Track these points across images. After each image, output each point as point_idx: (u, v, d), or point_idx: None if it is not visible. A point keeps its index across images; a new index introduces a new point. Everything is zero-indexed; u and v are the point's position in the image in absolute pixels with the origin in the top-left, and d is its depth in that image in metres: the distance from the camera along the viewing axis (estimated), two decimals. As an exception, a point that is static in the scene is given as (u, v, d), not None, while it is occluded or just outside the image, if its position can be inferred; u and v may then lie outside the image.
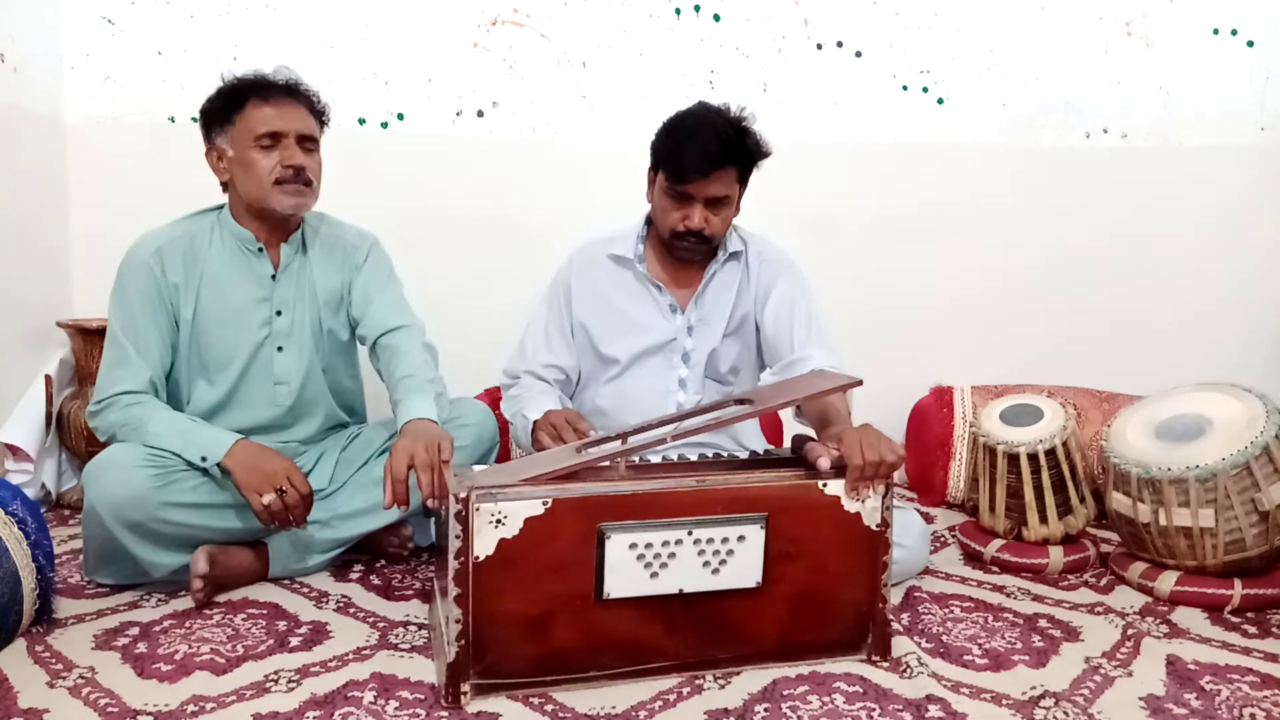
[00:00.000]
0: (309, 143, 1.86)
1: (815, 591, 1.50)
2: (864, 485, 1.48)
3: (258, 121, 1.80)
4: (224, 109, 1.84)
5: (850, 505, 1.48)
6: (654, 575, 1.42)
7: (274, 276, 1.91)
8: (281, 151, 1.81)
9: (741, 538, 1.43)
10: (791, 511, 1.46)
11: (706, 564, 1.43)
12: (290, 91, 1.85)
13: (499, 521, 1.34)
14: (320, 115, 1.91)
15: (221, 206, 1.93)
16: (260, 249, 1.90)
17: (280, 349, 1.93)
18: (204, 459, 1.73)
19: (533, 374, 2.02)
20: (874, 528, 1.50)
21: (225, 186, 1.90)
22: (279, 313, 1.92)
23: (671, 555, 1.42)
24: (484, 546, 1.35)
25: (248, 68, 1.89)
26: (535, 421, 1.81)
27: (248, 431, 1.88)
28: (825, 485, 1.48)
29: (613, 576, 1.40)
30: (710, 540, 1.42)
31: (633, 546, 1.40)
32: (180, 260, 1.85)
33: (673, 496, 1.42)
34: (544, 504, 1.36)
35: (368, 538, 1.96)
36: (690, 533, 1.41)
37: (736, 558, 1.44)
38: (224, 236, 1.90)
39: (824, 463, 1.47)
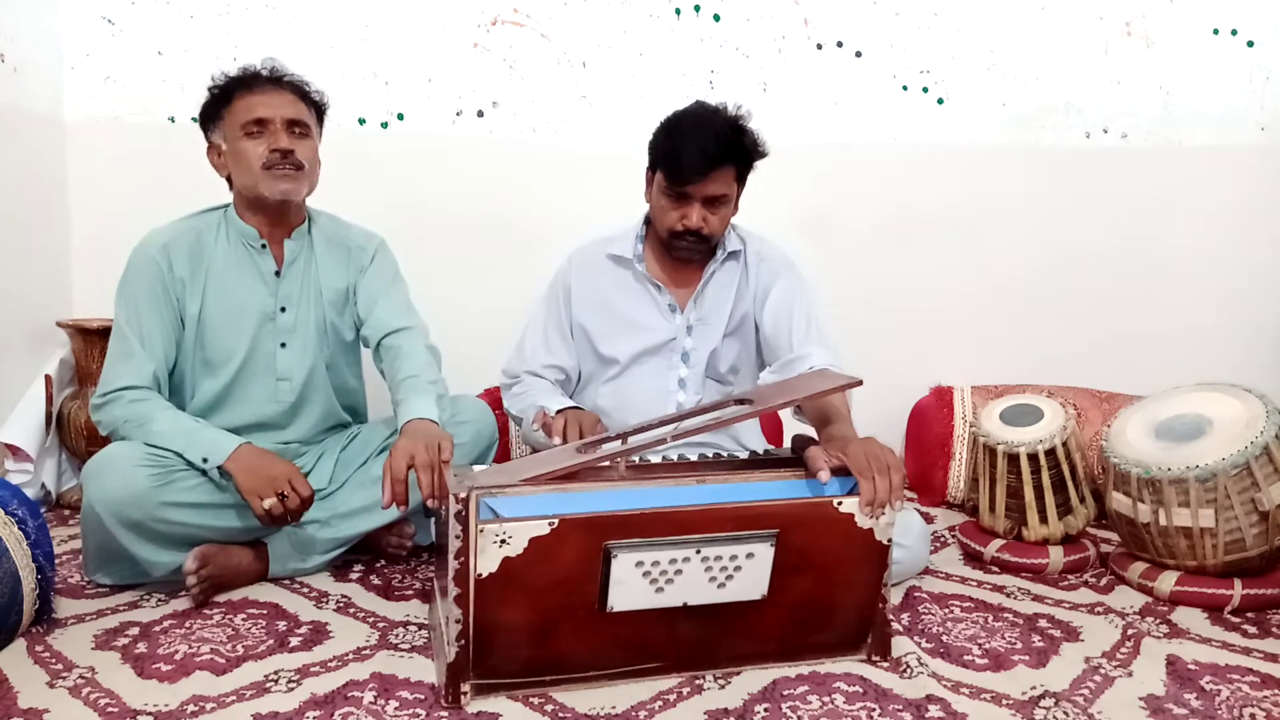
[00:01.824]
0: (298, 127, 1.86)
1: (819, 598, 1.49)
2: (879, 508, 1.45)
3: (244, 110, 1.83)
4: (214, 106, 1.87)
5: (864, 522, 1.46)
6: (659, 590, 1.40)
7: (278, 273, 1.92)
8: (269, 137, 1.83)
9: (750, 555, 1.41)
10: (802, 527, 1.43)
11: (713, 579, 1.41)
12: (274, 79, 1.87)
13: (503, 541, 1.32)
14: (314, 103, 1.92)
15: (228, 205, 1.94)
16: (264, 245, 1.90)
17: (283, 345, 1.93)
18: (205, 460, 1.73)
19: (532, 374, 2.02)
20: (885, 542, 1.48)
21: (230, 184, 1.91)
22: (283, 309, 1.92)
23: (678, 572, 1.39)
24: (487, 564, 1.32)
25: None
26: (558, 411, 1.81)
27: (248, 427, 1.89)
28: (840, 504, 1.45)
29: (617, 591, 1.38)
30: (719, 558, 1.40)
31: (639, 565, 1.37)
32: (186, 256, 1.86)
33: (681, 515, 1.38)
34: (550, 525, 1.33)
35: (368, 537, 1.96)
36: (698, 551, 1.38)
37: (744, 573, 1.42)
38: (229, 233, 1.91)
39: (824, 475, 1.45)
